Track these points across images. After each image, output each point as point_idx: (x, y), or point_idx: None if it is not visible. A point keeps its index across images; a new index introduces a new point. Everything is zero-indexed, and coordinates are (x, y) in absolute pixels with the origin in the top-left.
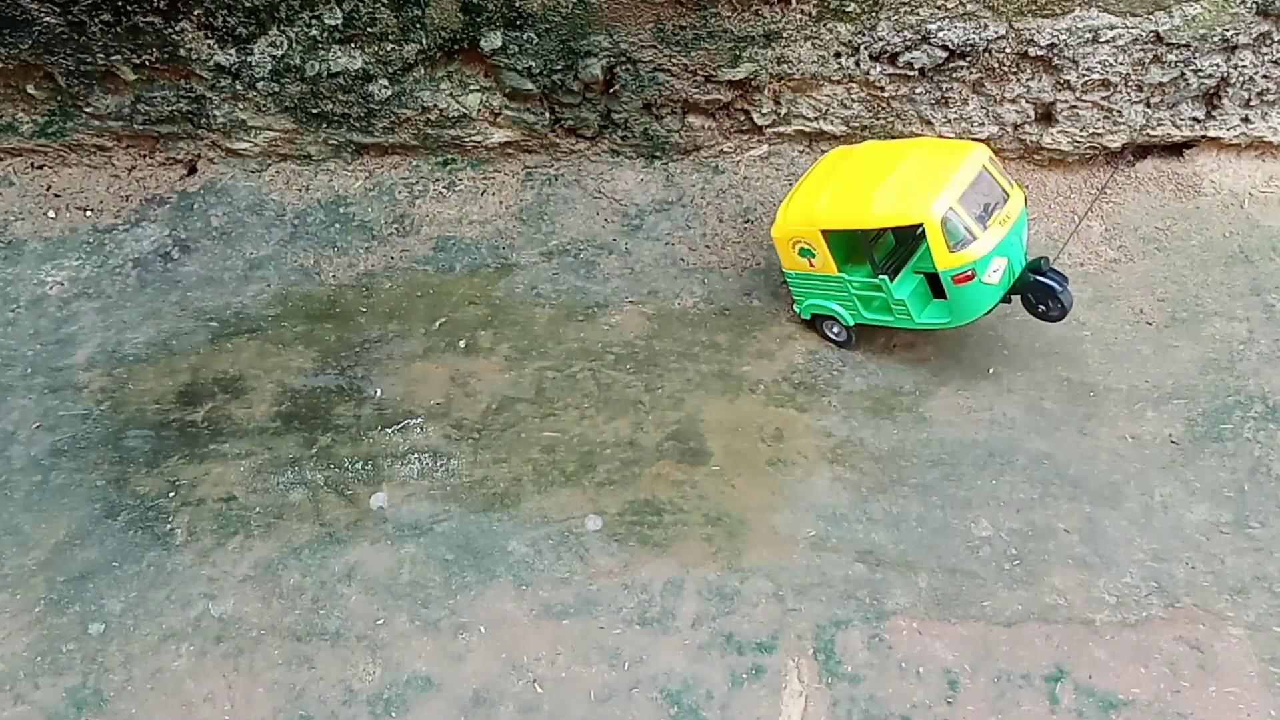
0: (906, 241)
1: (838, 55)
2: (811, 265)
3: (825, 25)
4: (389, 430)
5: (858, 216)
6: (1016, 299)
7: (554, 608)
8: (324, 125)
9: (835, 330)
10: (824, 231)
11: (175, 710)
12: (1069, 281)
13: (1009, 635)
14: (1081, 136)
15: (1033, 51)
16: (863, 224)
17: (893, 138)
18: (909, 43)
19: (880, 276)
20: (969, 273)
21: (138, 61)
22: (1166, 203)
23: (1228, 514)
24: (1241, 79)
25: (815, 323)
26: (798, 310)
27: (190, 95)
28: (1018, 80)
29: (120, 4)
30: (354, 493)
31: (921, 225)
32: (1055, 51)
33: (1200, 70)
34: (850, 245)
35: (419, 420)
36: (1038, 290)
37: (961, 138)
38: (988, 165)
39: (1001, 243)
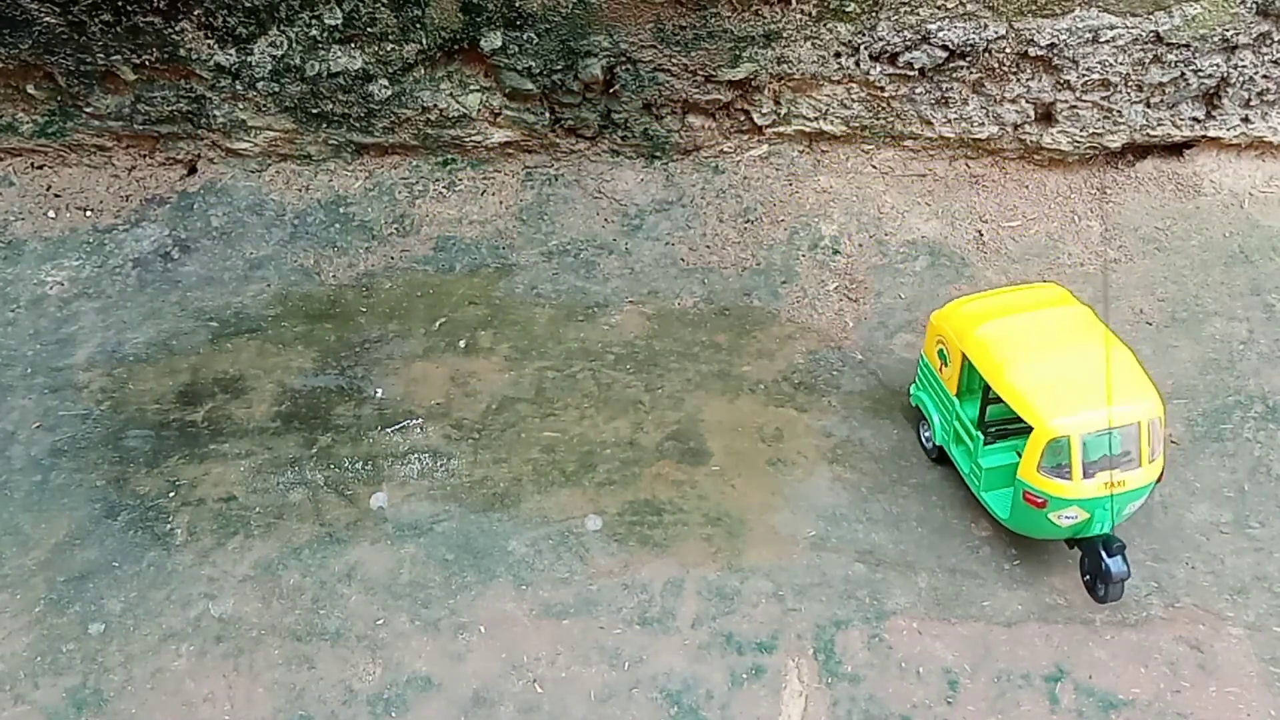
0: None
1: (838, 55)
2: (940, 370)
3: (825, 25)
4: (389, 430)
5: (996, 371)
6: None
7: (554, 608)
8: (324, 125)
9: (926, 434)
10: (964, 354)
11: (175, 710)
12: (1128, 578)
13: (1009, 635)
14: (1081, 136)
15: (1033, 51)
16: (993, 381)
17: (886, 136)
18: (909, 43)
19: (976, 433)
20: (1040, 500)
21: (138, 61)
22: (1166, 203)
23: (1228, 514)
24: (1241, 79)
25: (916, 416)
26: (911, 392)
27: (190, 95)
28: (1018, 80)
29: (120, 4)
30: (354, 493)
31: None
32: (1055, 51)
33: (1200, 70)
34: (981, 382)
35: (419, 420)
36: (1094, 564)
37: (961, 138)
38: (1151, 422)
39: (1093, 501)
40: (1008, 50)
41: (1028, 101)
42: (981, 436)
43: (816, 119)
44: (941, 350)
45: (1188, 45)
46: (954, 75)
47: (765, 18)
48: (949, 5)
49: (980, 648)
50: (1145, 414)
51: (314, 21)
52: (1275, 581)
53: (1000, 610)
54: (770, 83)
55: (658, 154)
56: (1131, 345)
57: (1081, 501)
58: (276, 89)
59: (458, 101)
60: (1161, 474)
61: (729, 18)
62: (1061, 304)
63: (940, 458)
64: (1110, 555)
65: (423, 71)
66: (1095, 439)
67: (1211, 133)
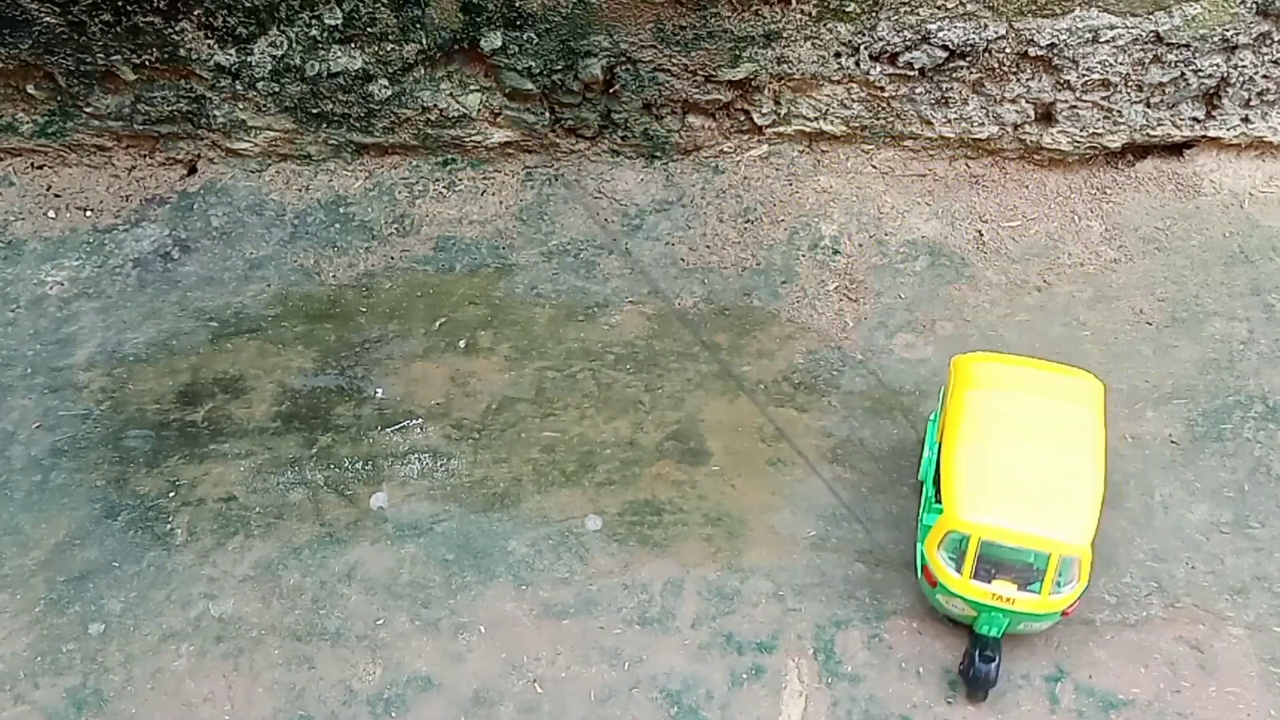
0: None
1: (838, 55)
2: (941, 409)
3: (825, 25)
4: (389, 430)
5: (954, 437)
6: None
7: (554, 608)
8: (324, 125)
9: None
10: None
11: (175, 710)
12: (991, 685)
13: (1009, 635)
14: (1081, 136)
15: (1033, 51)
16: (946, 444)
17: (886, 136)
18: (909, 43)
19: (931, 486)
20: (932, 579)
21: (138, 61)
22: (1166, 203)
23: (1228, 514)
24: (1241, 79)
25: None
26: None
27: (190, 95)
28: (1018, 80)
29: (120, 4)
30: (354, 493)
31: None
32: (1055, 51)
33: (1200, 70)
34: None
35: (419, 420)
36: (969, 656)
37: (961, 138)
38: (1066, 559)
39: (977, 605)
40: (1008, 50)
41: (1028, 101)
42: (934, 492)
43: (816, 119)
44: (943, 391)
45: (1188, 45)
46: (954, 75)
47: (765, 18)
48: (949, 5)
49: None
50: (1062, 548)
51: (314, 21)
52: (1275, 581)
53: None
54: (770, 83)
55: (658, 154)
56: (1131, 345)
57: (967, 600)
58: (276, 89)
59: (458, 101)
60: (1069, 610)
61: (729, 18)
62: (1076, 401)
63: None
64: (980, 658)
65: (423, 71)
66: (999, 547)
67: (1211, 133)
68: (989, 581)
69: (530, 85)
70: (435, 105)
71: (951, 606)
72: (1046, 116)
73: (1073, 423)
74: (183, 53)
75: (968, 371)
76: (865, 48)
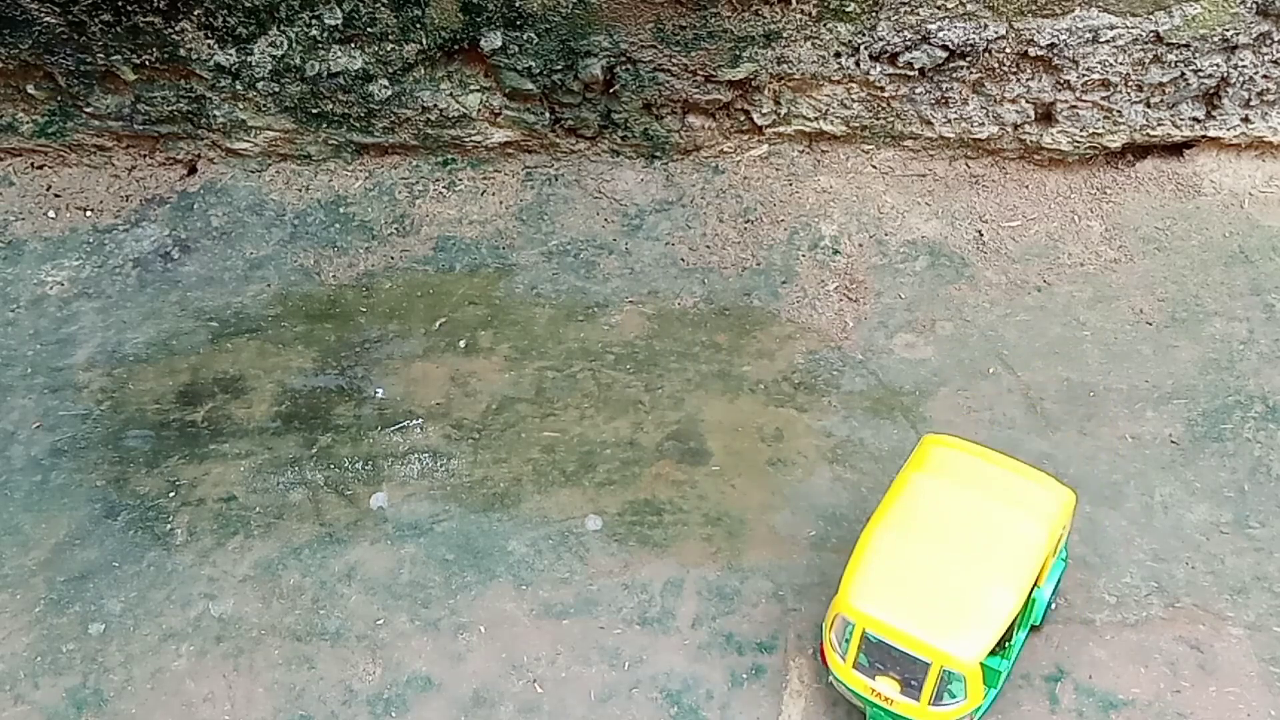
0: None
1: (838, 55)
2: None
3: (825, 25)
4: (389, 430)
5: (876, 517)
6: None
7: (554, 608)
8: (324, 125)
9: None
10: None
11: (175, 710)
12: None
13: None
14: (1081, 136)
15: (1033, 51)
16: (871, 520)
17: (886, 136)
18: (909, 43)
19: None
20: (822, 654)
21: (138, 61)
22: (1166, 203)
23: (1228, 514)
24: (1241, 79)
25: None
26: None
27: (190, 95)
28: (1018, 80)
29: (120, 4)
30: (354, 493)
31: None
32: (1055, 51)
33: (1200, 70)
34: None
35: (419, 420)
36: None
37: (961, 138)
38: (947, 671)
39: (859, 695)
40: (1008, 50)
41: (1028, 101)
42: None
43: (816, 119)
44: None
45: (1188, 45)
46: (954, 75)
47: (765, 18)
48: (949, 5)
49: None
50: (945, 660)
51: (314, 21)
52: (1275, 581)
53: None
54: (770, 83)
55: (658, 154)
56: (1131, 345)
57: (846, 687)
58: (276, 89)
59: (458, 101)
60: None
61: (729, 18)
62: (1028, 512)
63: None
64: None
65: (423, 71)
66: (883, 643)
67: (1211, 133)
68: (873, 677)
69: (530, 85)
70: (435, 105)
71: (840, 690)
72: (1046, 116)
73: (1011, 533)
74: (183, 53)
75: (925, 453)
76: (865, 48)
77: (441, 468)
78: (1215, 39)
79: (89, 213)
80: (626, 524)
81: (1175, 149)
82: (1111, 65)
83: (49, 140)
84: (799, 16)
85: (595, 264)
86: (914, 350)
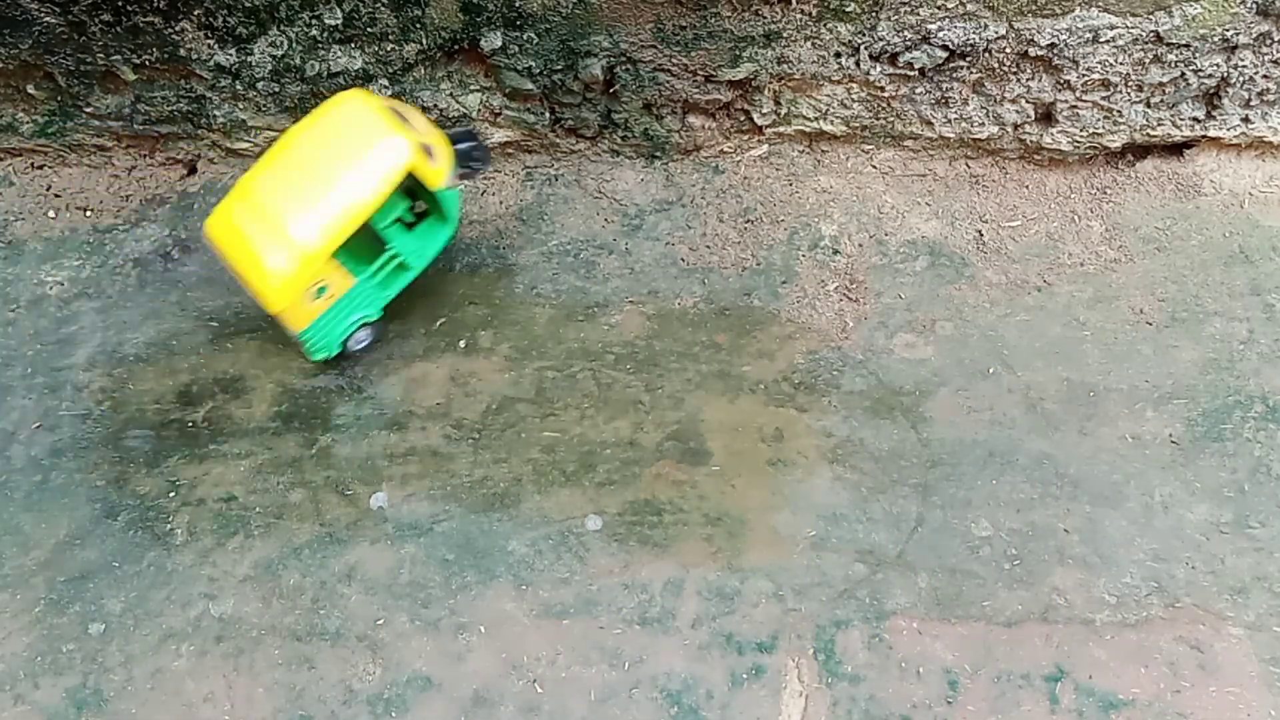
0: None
1: (838, 55)
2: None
3: (825, 25)
4: (389, 430)
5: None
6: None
7: (554, 608)
8: None
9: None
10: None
11: (175, 710)
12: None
13: (1009, 635)
14: (1082, 136)
15: (1033, 51)
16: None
17: (886, 136)
18: (909, 43)
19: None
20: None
21: (138, 61)
22: (1166, 203)
23: (1228, 514)
24: (1241, 79)
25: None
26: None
27: (190, 95)
28: (1018, 80)
29: (120, 4)
30: (354, 493)
31: None
32: (1055, 51)
33: (1200, 70)
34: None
35: (419, 420)
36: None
37: (961, 138)
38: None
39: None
40: (1008, 50)
41: (1028, 101)
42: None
43: (817, 119)
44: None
45: (1188, 45)
46: (954, 75)
47: (765, 18)
48: (949, 5)
49: (980, 648)
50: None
51: (314, 21)
52: (1275, 581)
53: (1000, 610)
54: (770, 83)
55: (658, 154)
56: (1131, 345)
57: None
58: (277, 89)
59: (458, 101)
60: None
61: (729, 18)
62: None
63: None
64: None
65: (423, 71)
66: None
67: (1212, 133)
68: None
69: (530, 85)
70: (435, 105)
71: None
72: (1046, 116)
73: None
74: (183, 53)
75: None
76: (865, 48)
77: (441, 468)
78: (1215, 39)
79: (89, 213)
80: (626, 524)
81: (1175, 149)
82: (1112, 65)
83: (49, 140)
84: (799, 16)
85: (595, 264)
86: (914, 350)
